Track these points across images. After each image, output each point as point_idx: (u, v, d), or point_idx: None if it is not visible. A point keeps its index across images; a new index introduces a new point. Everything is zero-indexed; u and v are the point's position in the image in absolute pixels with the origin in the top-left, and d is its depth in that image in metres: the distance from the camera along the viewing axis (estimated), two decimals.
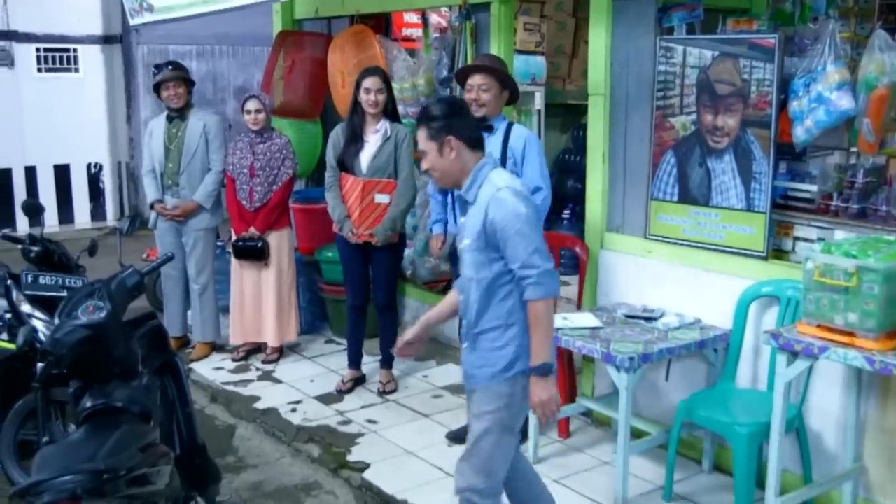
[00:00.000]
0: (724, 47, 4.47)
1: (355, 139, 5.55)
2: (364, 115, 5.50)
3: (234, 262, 6.36)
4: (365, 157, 5.53)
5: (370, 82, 5.43)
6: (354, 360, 5.96)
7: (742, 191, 4.46)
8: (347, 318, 5.92)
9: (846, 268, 3.51)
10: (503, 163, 4.65)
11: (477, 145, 3.36)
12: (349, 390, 5.85)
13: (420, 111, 3.52)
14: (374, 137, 5.53)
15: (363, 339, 5.99)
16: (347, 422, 5.39)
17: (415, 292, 6.97)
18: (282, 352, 6.50)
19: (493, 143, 4.68)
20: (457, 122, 3.31)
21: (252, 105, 6.15)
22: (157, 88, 6.32)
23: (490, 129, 4.65)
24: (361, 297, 5.79)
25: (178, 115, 6.32)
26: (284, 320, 6.40)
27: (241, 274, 6.35)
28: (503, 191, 3.21)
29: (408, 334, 3.64)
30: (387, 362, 5.88)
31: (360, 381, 5.96)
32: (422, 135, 3.35)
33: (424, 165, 3.40)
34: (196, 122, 6.32)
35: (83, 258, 5.07)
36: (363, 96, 5.45)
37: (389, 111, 5.56)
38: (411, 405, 5.62)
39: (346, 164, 5.57)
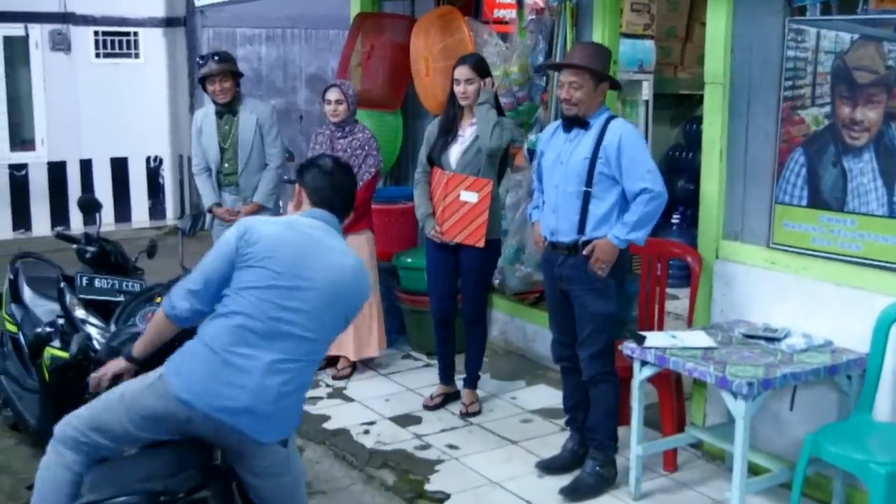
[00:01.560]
0: (866, 29, 4.36)
1: (448, 132, 5.59)
2: (461, 107, 5.55)
3: None
4: (455, 152, 5.57)
5: (458, 72, 5.50)
6: (445, 375, 6.01)
7: (884, 194, 4.34)
8: (433, 330, 5.96)
9: None
10: (593, 164, 4.60)
11: None
12: (437, 406, 5.89)
13: None
14: (469, 131, 5.55)
15: (453, 352, 6.00)
16: (426, 446, 5.41)
17: (503, 304, 6.96)
18: (355, 367, 6.56)
19: (583, 141, 4.65)
20: None
21: (333, 95, 6.23)
22: (202, 81, 6.43)
23: (585, 125, 4.66)
24: (447, 309, 5.82)
25: (227, 110, 6.41)
26: (364, 332, 6.45)
27: None
28: None
29: None
30: (471, 381, 5.89)
31: (451, 397, 5.99)
32: None
33: None
34: (248, 116, 6.40)
35: (141, 259, 5.19)
36: (455, 87, 5.52)
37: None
38: (497, 430, 5.61)
39: (436, 159, 5.62)
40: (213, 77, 6.32)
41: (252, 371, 3.28)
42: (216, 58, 6.41)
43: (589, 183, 4.62)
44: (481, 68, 5.57)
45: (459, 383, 6.05)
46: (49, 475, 3.39)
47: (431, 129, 5.74)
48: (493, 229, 5.62)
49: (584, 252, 4.62)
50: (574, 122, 4.70)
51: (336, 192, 3.62)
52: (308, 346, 3.39)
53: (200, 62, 6.52)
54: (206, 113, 6.59)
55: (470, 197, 5.52)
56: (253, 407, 3.26)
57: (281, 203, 7.39)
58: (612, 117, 4.74)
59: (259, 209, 6.40)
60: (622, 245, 4.60)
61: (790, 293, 4.73)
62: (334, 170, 3.65)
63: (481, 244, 5.55)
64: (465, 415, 5.80)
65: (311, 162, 3.73)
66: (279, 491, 3.47)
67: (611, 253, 4.60)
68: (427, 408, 5.90)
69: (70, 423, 3.44)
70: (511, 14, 7.31)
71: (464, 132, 5.58)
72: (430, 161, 5.69)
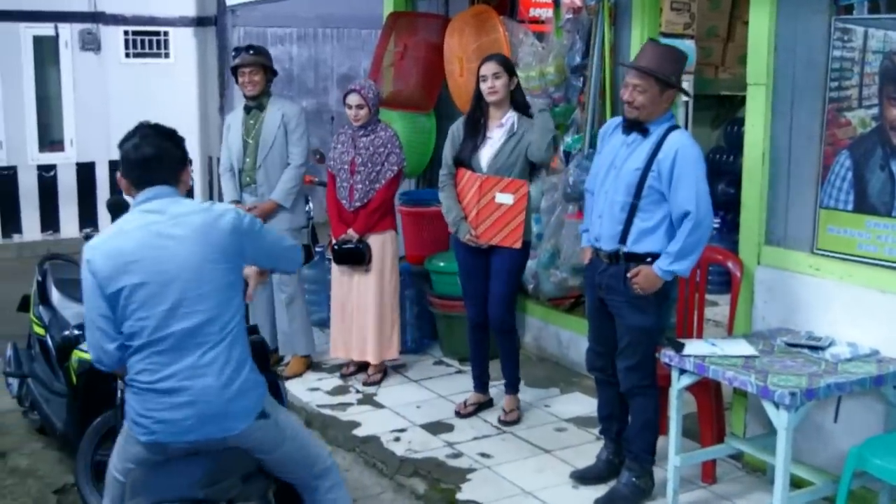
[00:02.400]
0: None
1: (476, 133, 5.58)
2: (487, 106, 5.54)
3: (333, 268, 6.46)
4: (486, 154, 5.55)
5: (485, 68, 5.50)
6: (479, 383, 5.99)
7: None
8: (468, 335, 5.94)
9: None
10: (645, 176, 4.52)
11: None
12: (469, 415, 5.88)
13: None
14: (498, 133, 5.54)
15: (488, 359, 5.99)
16: (458, 455, 5.40)
17: (537, 310, 6.94)
18: (385, 372, 6.57)
19: (639, 149, 4.58)
20: None
21: (353, 100, 6.23)
22: (234, 73, 6.50)
23: (644, 131, 4.60)
24: (483, 313, 5.78)
25: (255, 106, 6.48)
26: (386, 335, 6.46)
27: (341, 281, 6.45)
28: None
29: None
30: (511, 386, 5.87)
31: (485, 405, 5.98)
32: None
33: None
34: (274, 113, 6.46)
35: None
36: (481, 85, 5.51)
37: (519, 103, 5.57)
38: (531, 438, 5.59)
39: (464, 161, 5.61)
40: (244, 69, 6.39)
41: (182, 386, 3.31)
42: (250, 50, 6.51)
43: (637, 195, 4.54)
44: (508, 64, 5.58)
45: (492, 391, 6.04)
46: None
47: (456, 129, 5.72)
48: (526, 231, 5.63)
49: (629, 275, 4.57)
50: (634, 126, 4.61)
51: (145, 166, 3.46)
52: (213, 324, 3.36)
53: (234, 53, 6.62)
54: (236, 112, 6.71)
55: (506, 199, 5.51)
56: (204, 412, 3.31)
57: (311, 205, 7.43)
58: (673, 127, 4.60)
59: (276, 208, 6.43)
60: (667, 277, 4.53)
61: (834, 300, 4.68)
62: (135, 145, 3.48)
63: (518, 245, 5.55)
64: (503, 422, 5.77)
65: (122, 142, 3.55)
66: (285, 458, 3.56)
67: (654, 282, 4.54)
68: (459, 415, 5.89)
69: None
70: (547, 13, 7.29)
71: (492, 133, 5.56)
72: (455, 162, 5.68)
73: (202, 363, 3.33)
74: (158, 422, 3.33)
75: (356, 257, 6.26)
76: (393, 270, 6.46)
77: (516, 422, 5.79)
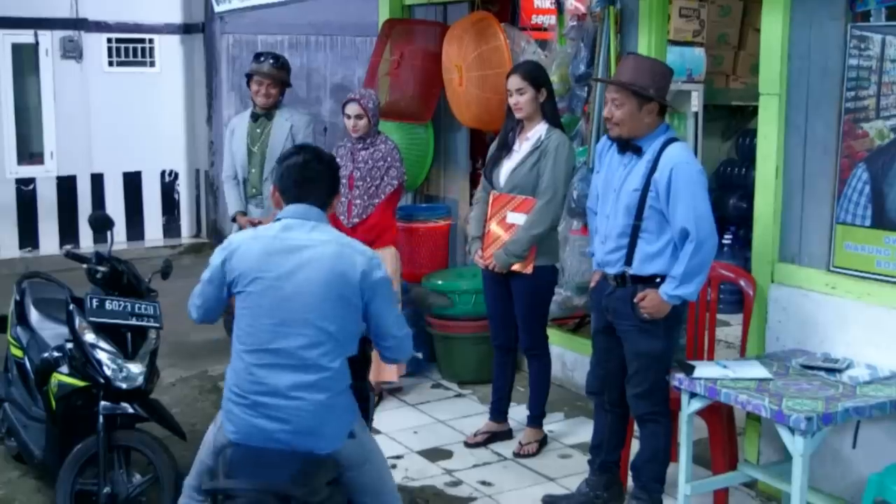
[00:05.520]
0: None
1: (503, 147, 5.58)
2: (519, 119, 5.52)
3: None
4: (506, 169, 5.54)
5: (509, 82, 5.49)
6: (494, 410, 5.96)
7: None
8: (494, 358, 5.95)
9: None
10: (644, 197, 4.50)
11: None
12: (480, 444, 5.85)
13: None
14: (524, 146, 5.51)
15: (508, 386, 5.95)
16: (457, 483, 5.40)
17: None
18: (381, 396, 6.56)
19: (636, 169, 4.57)
20: None
21: (352, 109, 6.24)
22: (248, 77, 6.50)
23: (637, 150, 4.60)
24: (503, 335, 5.80)
25: (263, 114, 6.50)
26: None
27: None
28: None
29: None
30: (533, 419, 5.83)
31: (499, 436, 5.91)
32: None
33: None
34: (282, 122, 6.48)
35: (155, 281, 5.22)
36: (509, 99, 5.50)
37: (548, 116, 5.51)
38: (534, 466, 5.59)
39: (487, 175, 5.64)
40: (262, 79, 6.37)
41: (276, 403, 3.58)
42: (273, 61, 6.49)
43: (639, 216, 4.54)
44: (534, 76, 5.46)
45: (512, 422, 6.00)
46: None
47: (493, 140, 5.73)
48: (545, 254, 5.56)
49: (635, 300, 4.57)
50: (625, 146, 4.60)
51: (302, 185, 3.78)
52: (319, 348, 3.60)
53: (259, 58, 6.58)
54: (242, 117, 6.72)
55: (517, 219, 5.45)
56: (298, 429, 3.58)
57: None
58: (670, 141, 4.57)
59: None
60: (674, 301, 4.52)
61: (852, 320, 4.69)
62: (297, 164, 3.81)
63: (528, 270, 5.50)
64: (518, 455, 5.72)
65: (280, 160, 3.94)
66: (363, 478, 3.78)
67: (661, 307, 4.52)
68: (468, 445, 5.86)
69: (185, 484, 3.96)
70: (550, 20, 7.33)
71: (519, 147, 5.52)
72: (485, 176, 5.71)
73: (302, 383, 3.58)
74: (252, 426, 3.60)
75: None
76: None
77: (533, 455, 5.73)
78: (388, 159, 6.28)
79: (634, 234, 4.57)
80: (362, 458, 3.75)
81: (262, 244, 3.69)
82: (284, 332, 3.58)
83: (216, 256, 3.78)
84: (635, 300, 4.56)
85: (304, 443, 3.58)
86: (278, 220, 3.78)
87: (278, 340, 3.59)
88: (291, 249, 3.65)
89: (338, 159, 6.29)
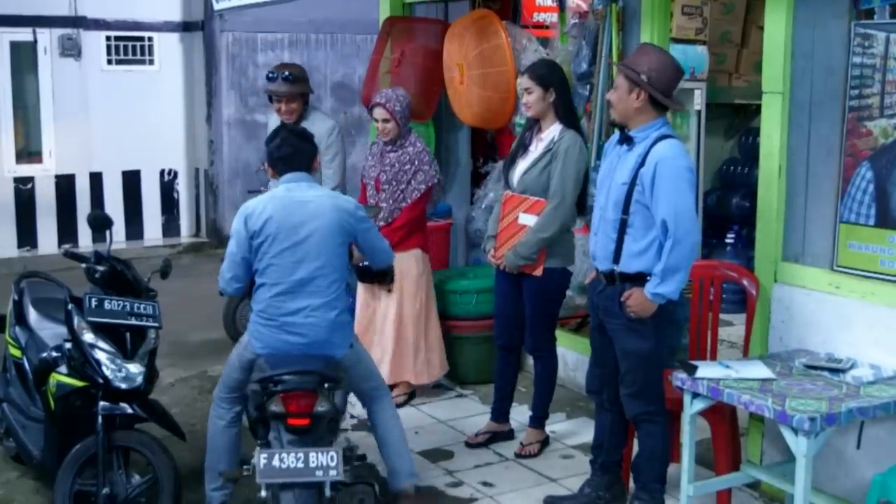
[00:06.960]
0: None
1: (520, 146, 5.60)
2: (536, 119, 5.53)
3: (359, 288, 6.53)
4: (520, 168, 5.55)
5: (518, 82, 5.53)
6: (496, 410, 5.97)
7: None
8: (496, 358, 5.97)
9: None
10: (631, 191, 4.50)
11: None
12: (480, 445, 5.86)
13: None
14: (539, 147, 5.50)
15: (510, 387, 5.96)
16: (458, 483, 5.40)
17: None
18: (413, 395, 6.64)
19: (626, 161, 4.58)
20: None
21: (378, 114, 6.29)
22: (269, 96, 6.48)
23: (629, 140, 4.60)
24: (507, 335, 5.81)
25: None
26: (406, 357, 6.48)
27: (365, 300, 6.54)
28: None
29: None
30: (535, 420, 5.84)
31: (500, 437, 5.93)
32: None
33: None
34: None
35: (154, 280, 5.22)
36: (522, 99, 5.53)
37: (561, 115, 5.48)
38: (535, 466, 5.59)
39: (505, 175, 5.66)
40: (279, 97, 6.31)
41: (297, 321, 4.61)
42: (287, 76, 6.30)
43: (626, 210, 4.54)
44: (541, 76, 5.43)
45: (513, 423, 6.01)
46: (213, 428, 4.87)
47: (515, 140, 5.76)
48: (557, 256, 5.53)
49: (622, 299, 4.57)
50: (625, 138, 4.62)
51: (286, 159, 4.77)
52: (329, 276, 4.65)
53: (270, 76, 6.40)
54: (276, 116, 6.56)
55: (529, 220, 5.44)
56: (314, 341, 4.62)
57: None
58: (663, 137, 4.55)
59: None
60: (657, 300, 4.50)
61: (856, 320, 4.69)
62: (277, 144, 4.82)
63: (538, 273, 5.50)
64: (519, 455, 5.73)
65: (267, 141, 4.97)
66: (360, 371, 4.92)
67: (646, 306, 4.51)
68: (469, 446, 5.87)
69: (214, 395, 4.99)
70: (552, 18, 7.31)
71: (535, 147, 5.51)
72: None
73: (314, 305, 4.61)
74: (279, 340, 4.61)
75: (377, 276, 6.25)
76: (418, 291, 6.45)
77: (534, 456, 5.74)
78: (416, 162, 6.30)
79: (622, 229, 4.57)
80: (357, 359, 4.88)
81: (278, 201, 4.63)
82: (303, 266, 4.58)
83: (237, 221, 4.67)
84: (622, 299, 4.57)
85: (320, 350, 4.60)
86: (281, 184, 4.73)
87: (299, 272, 4.58)
88: (299, 203, 4.63)
89: (370, 158, 6.45)
